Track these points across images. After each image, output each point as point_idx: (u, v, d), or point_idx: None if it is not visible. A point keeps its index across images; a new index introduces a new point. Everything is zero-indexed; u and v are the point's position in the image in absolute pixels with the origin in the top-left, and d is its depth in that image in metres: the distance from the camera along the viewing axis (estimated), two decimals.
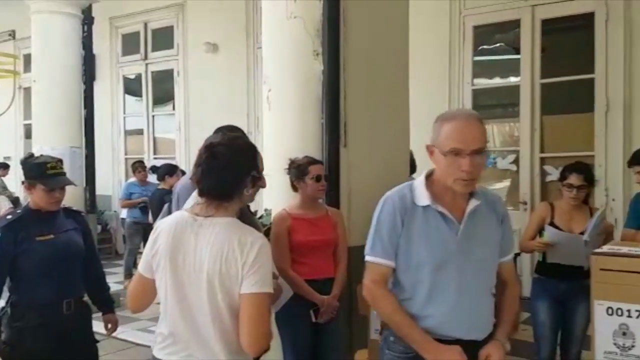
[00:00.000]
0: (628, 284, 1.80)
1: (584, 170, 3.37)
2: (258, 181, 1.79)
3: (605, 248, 1.91)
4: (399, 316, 1.86)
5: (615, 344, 1.85)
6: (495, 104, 6.80)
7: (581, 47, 5.82)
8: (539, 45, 5.95)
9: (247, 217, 2.81)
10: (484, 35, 6.57)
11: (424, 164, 2.03)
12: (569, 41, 6.36)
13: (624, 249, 1.88)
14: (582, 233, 3.15)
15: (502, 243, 1.93)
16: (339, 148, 3.57)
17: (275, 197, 3.40)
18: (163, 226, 1.77)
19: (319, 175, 2.97)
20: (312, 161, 3.03)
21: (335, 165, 3.53)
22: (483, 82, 6.71)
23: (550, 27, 6.02)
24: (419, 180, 1.92)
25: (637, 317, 1.80)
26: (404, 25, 4.05)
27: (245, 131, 3.08)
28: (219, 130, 2.78)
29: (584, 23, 5.76)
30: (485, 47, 6.65)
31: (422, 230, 1.86)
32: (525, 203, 6.05)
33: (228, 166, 1.70)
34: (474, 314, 1.87)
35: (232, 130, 2.75)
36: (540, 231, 3.38)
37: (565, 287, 3.21)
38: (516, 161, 6.21)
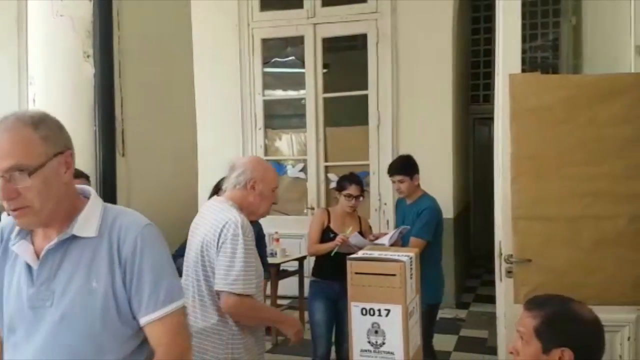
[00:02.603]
0: (378, 286, 1.97)
1: (360, 181, 3.67)
2: None
3: (360, 253, 2.07)
4: None
5: (369, 342, 2.01)
6: (290, 114, 7.08)
7: (358, 65, 6.28)
8: (321, 62, 6.33)
9: None
10: (276, 48, 6.79)
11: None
12: (348, 59, 6.86)
13: (375, 254, 2.06)
14: None
15: (134, 298, 1.31)
16: (115, 157, 3.35)
17: None
18: None
19: None
20: (76, 174, 2.68)
21: (111, 176, 3.30)
22: (276, 93, 6.92)
23: (332, 45, 6.46)
24: None
25: (386, 315, 1.98)
26: (187, 27, 3.98)
27: None
28: None
29: (360, 43, 6.27)
30: (278, 59, 6.88)
31: (7, 273, 1.38)
32: (313, 208, 6.38)
33: None
34: None
35: None
36: (323, 232, 3.57)
37: (337, 288, 3.38)
38: (304, 169, 6.54)
